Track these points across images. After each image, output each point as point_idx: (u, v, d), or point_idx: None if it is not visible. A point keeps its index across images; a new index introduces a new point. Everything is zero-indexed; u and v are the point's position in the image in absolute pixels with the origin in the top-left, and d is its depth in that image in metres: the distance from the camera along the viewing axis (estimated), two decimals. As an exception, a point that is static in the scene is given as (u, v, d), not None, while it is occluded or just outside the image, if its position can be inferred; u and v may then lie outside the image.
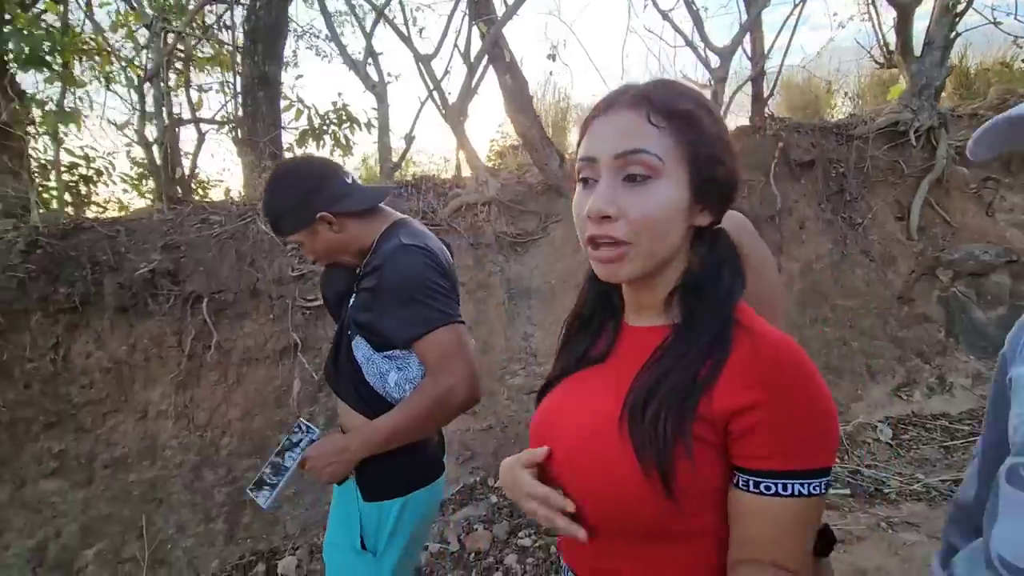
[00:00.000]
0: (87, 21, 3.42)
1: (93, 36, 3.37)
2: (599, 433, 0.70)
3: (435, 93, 3.35)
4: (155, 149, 3.24)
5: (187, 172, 3.44)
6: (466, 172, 3.89)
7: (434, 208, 3.43)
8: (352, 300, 1.35)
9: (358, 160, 5.27)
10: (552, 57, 3.40)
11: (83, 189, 3.65)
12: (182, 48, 3.20)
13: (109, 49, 3.41)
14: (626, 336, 0.78)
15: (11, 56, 3.24)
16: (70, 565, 2.93)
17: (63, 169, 3.49)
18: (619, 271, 0.69)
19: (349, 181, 1.38)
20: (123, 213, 3.69)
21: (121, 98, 4.72)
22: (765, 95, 3.65)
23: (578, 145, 0.74)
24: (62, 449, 3.01)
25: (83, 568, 2.93)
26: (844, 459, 2.92)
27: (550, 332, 3.60)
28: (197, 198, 3.63)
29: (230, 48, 3.32)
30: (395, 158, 3.55)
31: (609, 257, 0.68)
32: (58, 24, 3.35)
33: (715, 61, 3.52)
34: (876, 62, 4.13)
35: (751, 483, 0.64)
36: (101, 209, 3.78)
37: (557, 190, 3.69)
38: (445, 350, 1.20)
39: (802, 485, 0.63)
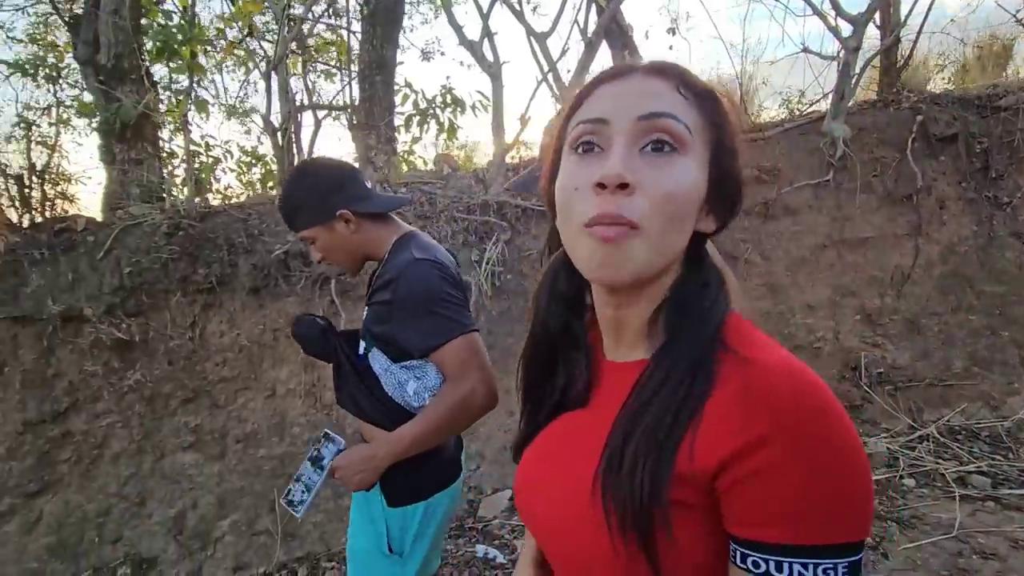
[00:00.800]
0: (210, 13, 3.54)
1: (220, 26, 3.50)
2: (570, 513, 0.58)
3: (549, 72, 3.28)
4: (279, 136, 3.31)
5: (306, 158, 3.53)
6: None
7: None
8: (365, 313, 1.39)
9: (468, 143, 5.29)
10: (672, 31, 3.27)
11: (205, 176, 3.79)
12: (304, 35, 3.28)
13: (236, 40, 3.53)
14: (607, 375, 0.65)
15: (148, 49, 3.37)
16: (207, 535, 3.07)
17: (193, 156, 3.63)
18: (624, 261, 0.54)
19: (369, 185, 1.43)
20: (243, 198, 3.81)
21: (229, 87, 4.88)
22: (899, 65, 3.38)
23: (567, 118, 0.61)
24: (198, 424, 3.16)
25: (220, 538, 3.06)
26: (1010, 456, 2.68)
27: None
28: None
29: (349, 33, 3.37)
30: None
31: (616, 236, 0.53)
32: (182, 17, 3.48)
33: (846, 30, 3.29)
34: (1022, 25, 3.76)
35: (737, 555, 0.50)
36: (222, 195, 3.92)
37: (670, 171, 3.55)
38: (462, 358, 1.24)
39: (804, 566, 0.46)
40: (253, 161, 3.96)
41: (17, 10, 3.63)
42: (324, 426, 1.50)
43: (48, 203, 3.41)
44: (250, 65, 3.48)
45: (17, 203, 3.32)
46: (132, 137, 3.35)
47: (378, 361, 1.35)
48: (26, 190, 3.33)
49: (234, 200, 3.92)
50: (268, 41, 3.74)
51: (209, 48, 3.52)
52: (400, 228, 1.43)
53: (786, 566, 0.47)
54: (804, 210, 3.45)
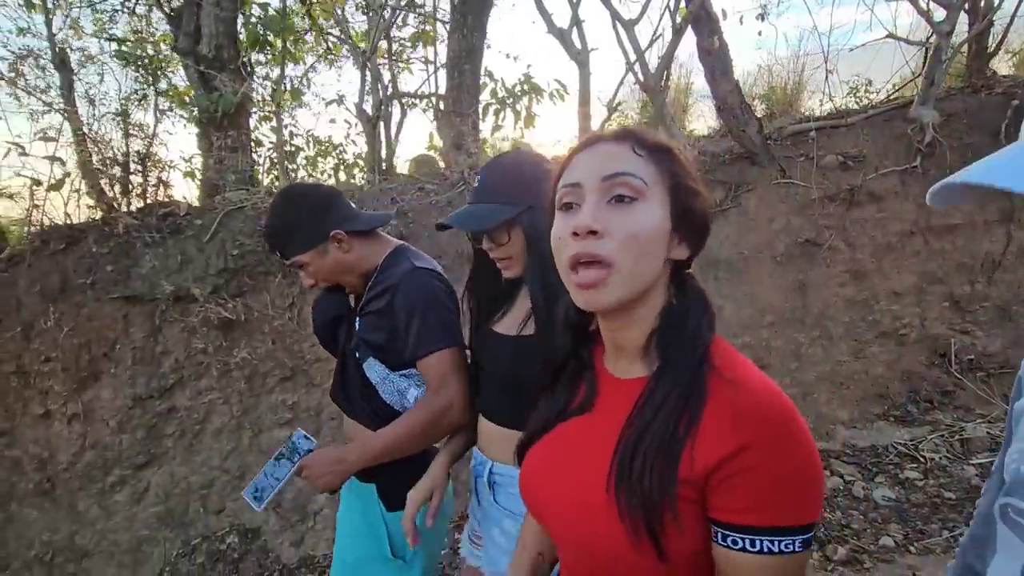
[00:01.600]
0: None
1: (313, 14, 3.60)
2: (587, 506, 0.69)
3: (636, 62, 3.30)
4: (372, 125, 3.39)
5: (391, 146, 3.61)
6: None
7: (631, 177, 3.41)
8: (358, 323, 1.39)
9: (550, 130, 5.32)
10: (761, 17, 3.28)
11: (292, 164, 3.90)
12: (398, 25, 3.37)
13: (329, 31, 3.63)
14: (608, 388, 0.77)
15: (244, 39, 3.47)
16: (304, 508, 3.19)
17: (283, 144, 3.74)
18: (601, 296, 0.68)
19: (352, 205, 1.45)
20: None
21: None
22: (991, 50, 3.33)
23: (557, 179, 0.75)
24: (295, 401, 3.27)
25: (318, 511, 3.18)
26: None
27: (742, 304, 3.50)
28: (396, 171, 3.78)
29: (439, 21, 3.45)
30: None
31: (592, 280, 0.68)
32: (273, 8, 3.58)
33: (938, 14, 3.25)
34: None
35: (719, 535, 0.64)
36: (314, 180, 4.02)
37: (751, 158, 3.57)
38: (442, 371, 1.27)
39: (771, 542, 0.61)
40: (329, 149, 4.05)
41: (116, 9, 3.77)
42: (298, 426, 1.55)
43: (149, 189, 3.54)
44: (339, 55, 3.58)
45: (119, 190, 3.46)
46: (229, 125, 3.47)
47: (375, 371, 1.38)
48: (129, 176, 3.46)
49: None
50: (354, 31, 3.83)
51: (300, 39, 3.63)
52: (390, 242, 1.46)
53: (757, 542, 0.61)
54: (890, 197, 3.43)
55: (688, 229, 0.72)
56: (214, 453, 3.23)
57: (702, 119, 5.65)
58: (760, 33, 4.20)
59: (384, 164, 3.58)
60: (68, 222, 3.28)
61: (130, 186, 3.42)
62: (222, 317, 3.06)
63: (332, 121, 3.75)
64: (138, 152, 3.46)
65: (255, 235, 3.15)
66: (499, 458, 1.18)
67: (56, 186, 2.90)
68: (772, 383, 0.66)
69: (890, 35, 3.56)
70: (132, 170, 3.45)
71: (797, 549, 0.61)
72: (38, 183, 3.29)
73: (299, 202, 1.38)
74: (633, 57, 3.31)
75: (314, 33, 3.60)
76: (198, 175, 3.69)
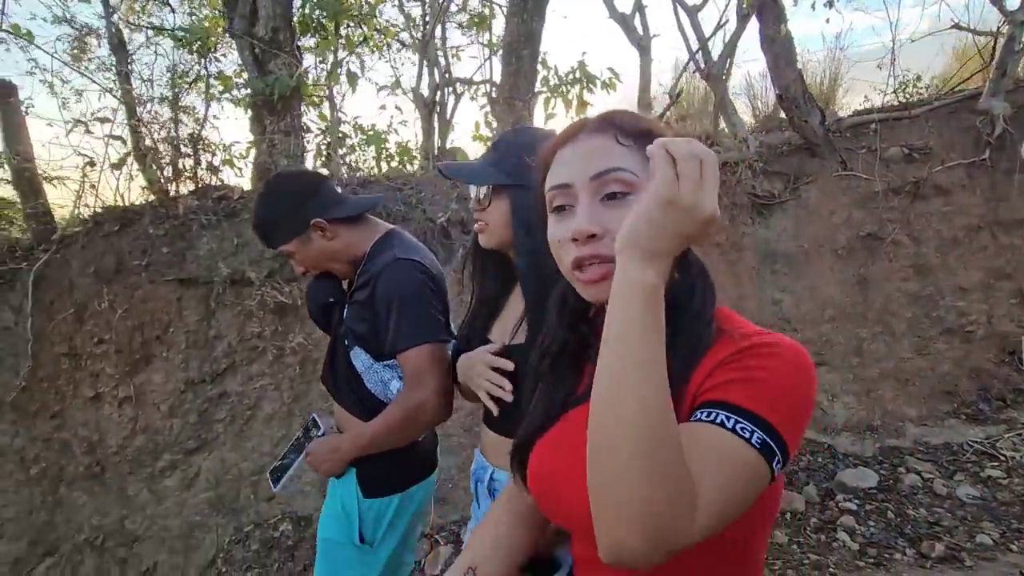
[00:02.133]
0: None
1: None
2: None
3: (698, 50, 3.24)
4: (423, 110, 3.35)
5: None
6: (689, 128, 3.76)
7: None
8: (345, 311, 1.39)
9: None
10: (829, 4, 3.21)
11: (341, 150, 3.86)
12: (454, 10, 3.33)
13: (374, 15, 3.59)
14: None
15: (297, 22, 3.43)
16: (356, 496, 3.15)
17: (332, 129, 3.70)
18: (607, 287, 0.65)
19: (339, 190, 1.44)
20: (375, 172, 3.87)
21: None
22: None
23: (542, 179, 0.73)
24: (346, 389, 3.23)
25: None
26: None
27: (801, 298, 3.43)
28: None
29: (496, 6, 3.41)
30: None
31: (599, 275, 0.66)
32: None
33: (1011, 2, 3.17)
34: None
35: (694, 415, 0.60)
36: (351, 168, 3.99)
37: (811, 150, 3.49)
38: (420, 366, 1.25)
39: (728, 418, 0.57)
40: (373, 138, 4.01)
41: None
42: (312, 411, 1.55)
43: (200, 172, 3.51)
44: (392, 39, 3.55)
45: (170, 172, 3.43)
46: (282, 110, 3.43)
47: (360, 359, 1.37)
48: (181, 159, 3.44)
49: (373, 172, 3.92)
50: (405, 16, 3.78)
51: (355, 23, 3.59)
52: (379, 228, 1.44)
53: (716, 414, 0.58)
54: (957, 190, 3.35)
55: None
56: (264, 439, 3.19)
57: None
58: (828, 21, 4.18)
59: (438, 151, 3.54)
60: (122, 203, 3.25)
61: (182, 169, 3.39)
62: (277, 301, 3.03)
63: (382, 107, 3.71)
64: (190, 135, 3.43)
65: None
66: (500, 464, 1.13)
67: (118, 164, 2.87)
68: (785, 336, 0.65)
69: (956, 25, 3.48)
70: (183, 153, 3.42)
71: (753, 443, 0.56)
72: (92, 164, 3.26)
73: (282, 192, 1.39)
74: (695, 44, 3.25)
75: (368, 17, 3.57)
76: (236, 162, 3.66)
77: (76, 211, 3.46)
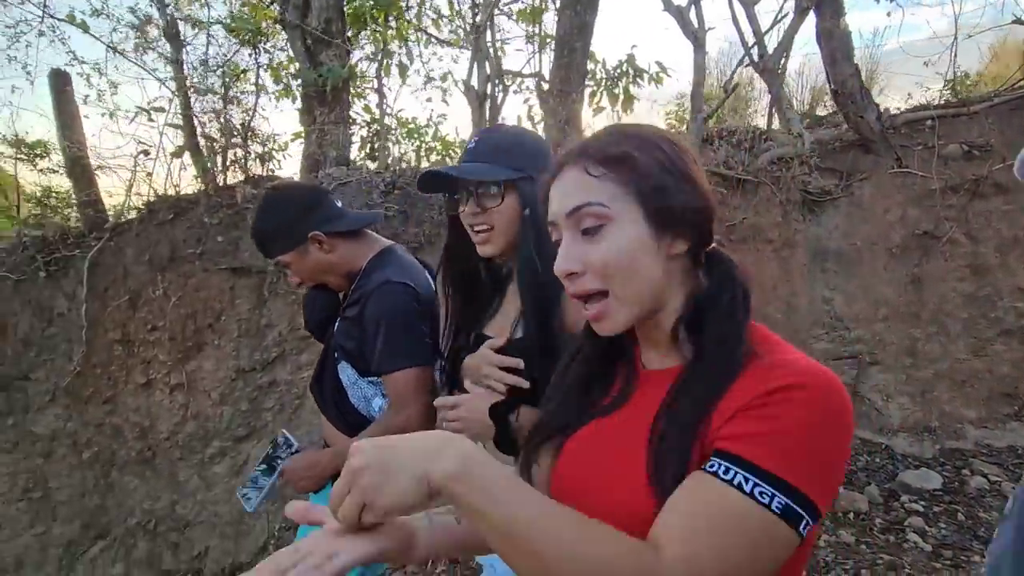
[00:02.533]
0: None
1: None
2: (634, 515, 0.61)
3: (754, 45, 3.20)
4: (473, 102, 3.33)
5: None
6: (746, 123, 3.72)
7: (744, 160, 3.31)
8: (336, 325, 1.40)
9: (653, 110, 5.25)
10: (891, -3, 3.14)
11: (388, 141, 3.86)
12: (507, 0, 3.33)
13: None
14: (642, 382, 0.73)
15: (348, 13, 3.43)
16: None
17: (377, 121, 3.71)
18: (609, 324, 0.68)
19: (339, 204, 1.44)
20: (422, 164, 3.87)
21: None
22: None
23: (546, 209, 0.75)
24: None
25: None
26: None
27: (854, 297, 3.38)
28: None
29: None
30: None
31: (596, 313, 0.68)
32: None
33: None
34: None
35: (705, 464, 0.57)
36: (395, 160, 3.99)
37: (864, 146, 3.43)
38: (404, 390, 1.26)
39: (747, 480, 0.53)
40: (414, 131, 4.01)
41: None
42: (282, 427, 1.58)
43: (250, 163, 3.53)
44: (440, 29, 3.55)
45: (221, 162, 3.46)
46: (332, 100, 3.44)
47: (346, 373, 1.38)
48: (232, 149, 3.46)
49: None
50: (453, 9, 3.78)
51: (404, 16, 3.60)
52: (377, 243, 1.44)
53: (733, 472, 0.54)
54: (1017, 189, 3.27)
55: (676, 225, 0.67)
56: (314, 428, 3.20)
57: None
58: (889, 14, 4.20)
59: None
60: (175, 192, 3.28)
61: (233, 158, 3.41)
62: (331, 291, 3.03)
63: (428, 100, 3.72)
64: (241, 125, 3.45)
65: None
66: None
67: (178, 153, 2.89)
68: (822, 367, 0.60)
69: (1017, 20, 3.40)
70: (233, 143, 3.45)
71: (774, 508, 0.52)
72: (147, 152, 3.30)
73: (282, 202, 1.40)
74: (750, 38, 3.20)
75: (419, 9, 3.57)
76: (275, 154, 3.67)
77: (128, 200, 3.50)
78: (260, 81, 3.64)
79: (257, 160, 3.53)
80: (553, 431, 0.76)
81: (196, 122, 3.41)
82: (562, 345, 0.97)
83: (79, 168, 3.67)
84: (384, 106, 3.89)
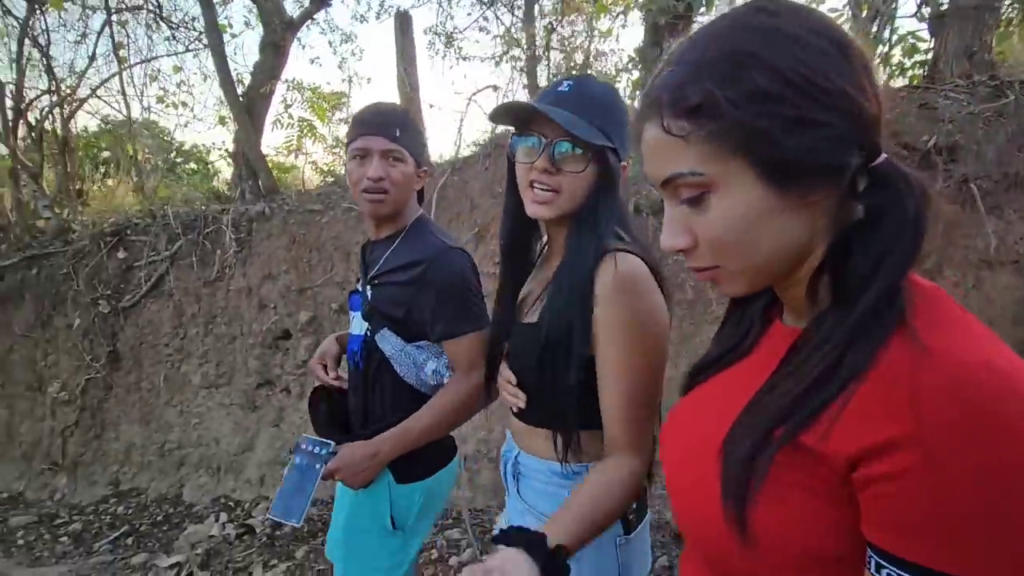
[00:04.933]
0: None
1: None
2: (699, 456, 0.57)
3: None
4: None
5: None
6: None
7: None
8: (371, 292, 1.34)
9: None
10: None
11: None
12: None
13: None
14: (772, 335, 0.62)
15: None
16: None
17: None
18: (731, 289, 0.56)
19: None
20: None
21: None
22: None
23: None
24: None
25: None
26: None
27: None
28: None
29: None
30: None
31: (710, 279, 0.56)
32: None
33: None
34: None
35: (873, 564, 0.44)
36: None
37: None
38: (474, 354, 1.26)
39: None
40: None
41: None
42: (301, 437, 1.37)
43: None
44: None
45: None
46: (683, 29, 3.18)
47: (389, 342, 1.32)
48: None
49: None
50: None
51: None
52: (415, 208, 1.41)
53: None
54: None
55: (806, 173, 0.48)
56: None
57: None
58: None
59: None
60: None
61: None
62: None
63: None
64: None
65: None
66: (525, 447, 1.07)
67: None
68: (1007, 361, 0.41)
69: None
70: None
71: None
72: (495, 87, 3.28)
73: (415, 121, 1.43)
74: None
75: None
76: None
77: (460, 138, 3.56)
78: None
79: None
80: (698, 372, 0.69)
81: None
82: (576, 350, 0.91)
83: (412, 108, 3.82)
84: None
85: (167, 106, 5.63)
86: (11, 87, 4.71)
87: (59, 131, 4.79)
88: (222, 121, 6.00)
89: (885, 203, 0.49)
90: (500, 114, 0.99)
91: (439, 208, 3.36)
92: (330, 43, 7.70)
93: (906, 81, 3.25)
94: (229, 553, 2.87)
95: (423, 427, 1.29)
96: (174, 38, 5.30)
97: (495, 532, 1.25)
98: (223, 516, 3.32)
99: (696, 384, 0.68)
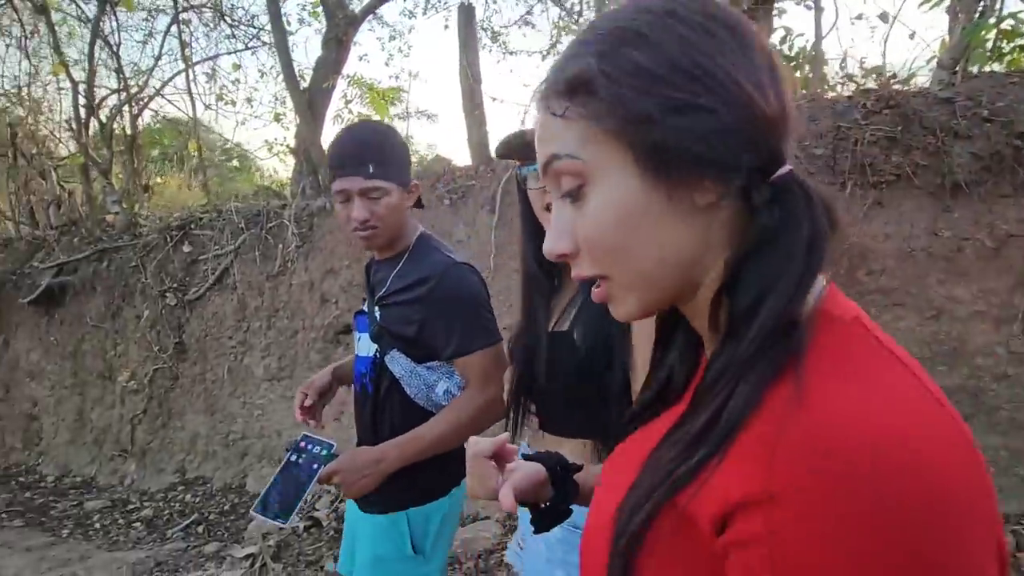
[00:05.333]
0: None
1: None
2: (600, 526, 0.48)
3: None
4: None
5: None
6: None
7: None
8: (380, 313, 1.32)
9: None
10: None
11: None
12: None
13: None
14: (699, 376, 0.52)
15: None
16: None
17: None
18: (622, 311, 0.49)
19: None
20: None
21: None
22: None
23: None
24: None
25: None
26: None
27: None
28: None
29: None
30: None
31: (599, 296, 0.49)
32: None
33: None
34: None
35: None
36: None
37: None
38: (488, 368, 1.26)
39: None
40: None
41: None
42: (304, 429, 1.34)
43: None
44: None
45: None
46: None
47: (399, 363, 1.30)
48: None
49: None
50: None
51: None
52: (416, 223, 1.40)
53: None
54: None
55: (689, 166, 0.42)
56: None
57: None
58: None
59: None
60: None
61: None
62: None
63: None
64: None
65: (844, 130, 2.69)
66: None
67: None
68: (883, 420, 0.34)
69: None
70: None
71: None
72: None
73: (399, 138, 1.37)
74: None
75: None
76: None
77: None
78: None
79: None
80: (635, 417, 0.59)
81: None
82: (618, 356, 0.89)
83: (471, 103, 3.77)
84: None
85: (226, 104, 5.75)
86: (83, 86, 4.88)
87: (127, 129, 4.94)
88: (277, 118, 6.10)
89: (779, 223, 0.42)
90: (505, 153, 1.04)
91: (503, 204, 3.31)
92: (379, 39, 7.71)
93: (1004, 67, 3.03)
94: (299, 546, 2.90)
95: (435, 436, 1.24)
96: (233, 36, 5.40)
97: (513, 542, 1.24)
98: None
99: (628, 436, 0.59)
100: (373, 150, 1.27)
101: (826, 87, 3.08)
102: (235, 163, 8.60)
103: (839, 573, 0.33)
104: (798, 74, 3.08)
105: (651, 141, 0.43)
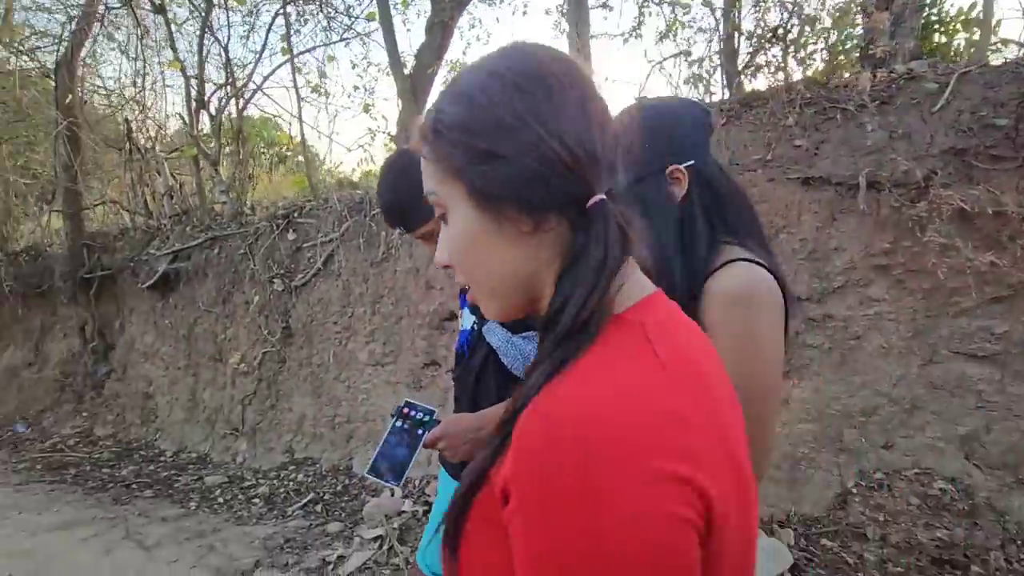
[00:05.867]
0: None
1: None
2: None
3: None
4: None
5: None
6: None
7: None
8: None
9: None
10: None
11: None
12: None
13: None
14: None
15: None
16: (1017, 466, 2.46)
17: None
18: (489, 312, 0.59)
19: None
20: None
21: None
22: None
23: None
24: (1004, 331, 2.53)
25: None
26: None
27: None
28: None
29: None
30: None
31: (471, 300, 0.62)
32: None
33: None
34: None
35: None
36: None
37: None
38: None
39: None
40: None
41: None
42: (404, 401, 1.28)
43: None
44: None
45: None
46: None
47: (496, 334, 1.31)
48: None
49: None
50: None
51: None
52: None
53: None
54: None
55: (503, 200, 0.51)
56: (880, 375, 2.67)
57: None
58: None
59: None
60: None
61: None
62: (957, 208, 2.40)
63: None
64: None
65: (998, 106, 2.40)
66: None
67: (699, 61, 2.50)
68: (605, 410, 0.43)
69: None
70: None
71: None
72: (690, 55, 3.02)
73: (411, 175, 1.23)
74: None
75: None
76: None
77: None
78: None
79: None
80: None
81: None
82: None
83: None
84: None
85: (320, 95, 5.87)
86: (194, 80, 5.09)
87: (234, 121, 5.12)
88: (366, 109, 6.18)
89: (584, 243, 0.51)
90: None
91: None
92: (458, 28, 7.69)
93: None
94: (419, 530, 2.90)
95: None
96: (329, 27, 5.49)
97: None
98: (398, 492, 3.39)
99: None
100: (394, 216, 1.32)
101: (998, 47, 2.76)
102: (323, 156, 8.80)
103: (539, 529, 0.41)
104: (963, 37, 2.78)
105: (472, 183, 0.52)
